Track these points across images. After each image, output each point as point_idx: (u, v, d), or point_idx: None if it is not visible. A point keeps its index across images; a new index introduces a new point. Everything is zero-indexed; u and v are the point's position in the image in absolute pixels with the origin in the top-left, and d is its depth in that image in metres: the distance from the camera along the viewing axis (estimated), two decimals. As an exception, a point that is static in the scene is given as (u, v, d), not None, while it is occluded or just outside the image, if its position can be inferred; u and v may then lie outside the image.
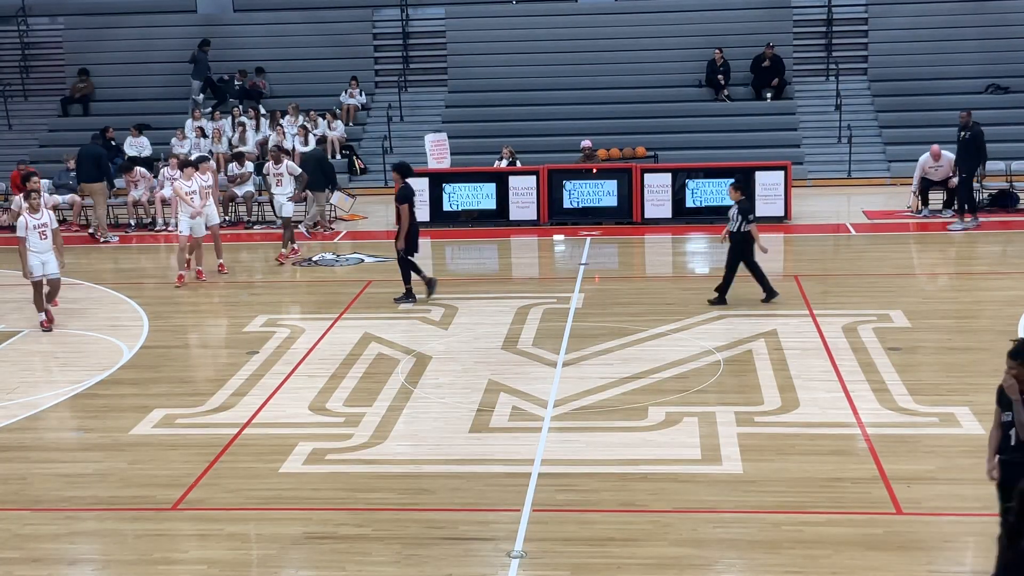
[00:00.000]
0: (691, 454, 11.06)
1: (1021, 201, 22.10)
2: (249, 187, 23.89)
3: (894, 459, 10.76)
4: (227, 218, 23.70)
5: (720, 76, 27.19)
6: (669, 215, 21.94)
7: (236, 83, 29.14)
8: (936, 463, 10.68)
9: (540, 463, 10.90)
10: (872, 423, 11.66)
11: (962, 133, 20.78)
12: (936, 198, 21.95)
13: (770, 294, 16.01)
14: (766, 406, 12.27)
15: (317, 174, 21.79)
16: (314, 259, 20.03)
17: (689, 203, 22.02)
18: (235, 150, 25.56)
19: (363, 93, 28.94)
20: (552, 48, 28.92)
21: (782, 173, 21.80)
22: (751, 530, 9.49)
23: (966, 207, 20.67)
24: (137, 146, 26.41)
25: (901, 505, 9.84)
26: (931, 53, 27.48)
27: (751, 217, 15.88)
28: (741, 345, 14.30)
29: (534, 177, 22.37)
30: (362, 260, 19.72)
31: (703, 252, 20.61)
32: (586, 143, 23.98)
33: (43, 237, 15.86)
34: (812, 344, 14.27)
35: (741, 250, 15.91)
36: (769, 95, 27.14)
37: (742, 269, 15.91)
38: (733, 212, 15.96)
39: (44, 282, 16.02)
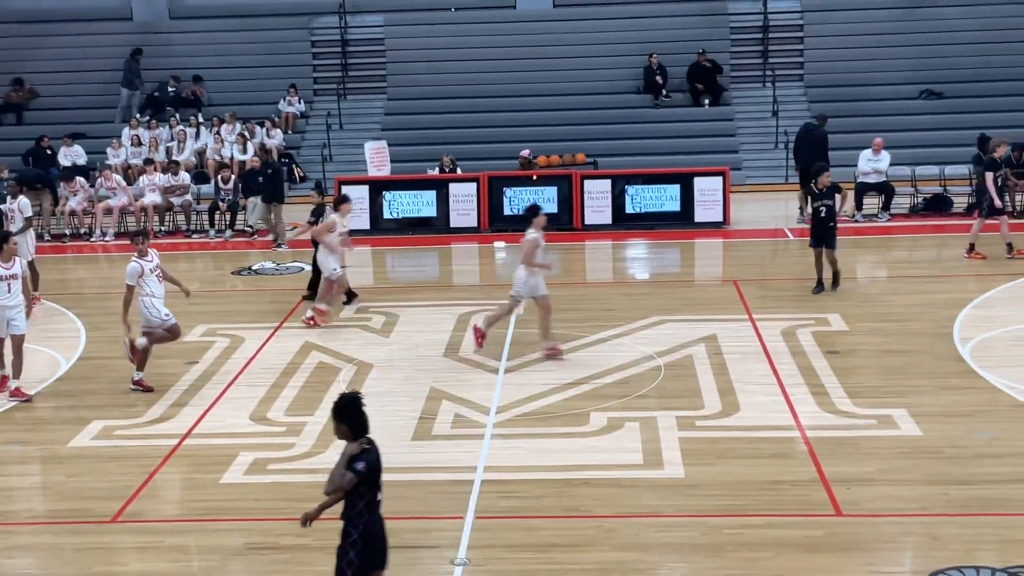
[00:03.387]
0: (633, 459, 11.10)
1: (955, 205, 22.44)
2: (187, 196, 23.66)
3: (833, 461, 10.88)
4: (163, 228, 23.48)
5: (659, 78, 27.37)
6: (609, 221, 22.03)
7: (170, 89, 28.85)
8: (875, 465, 10.81)
9: (483, 470, 10.89)
10: (811, 426, 11.78)
11: (809, 132, 21.79)
12: (871, 203, 22.23)
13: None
14: (707, 410, 12.36)
15: (278, 186, 21.81)
16: (254, 268, 19.88)
17: (629, 209, 22.13)
18: (171, 159, 25.32)
19: (302, 101, 28.79)
20: (491, 55, 28.96)
21: (720, 179, 21.98)
22: (693, 533, 9.54)
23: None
24: (71, 155, 26.06)
25: (841, 507, 9.94)
26: (866, 59, 27.84)
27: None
28: (682, 350, 14.39)
29: (474, 184, 22.38)
30: (303, 269, 19.59)
31: (643, 258, 20.71)
32: (525, 152, 24.02)
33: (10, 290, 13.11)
34: (752, 348, 14.39)
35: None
36: (707, 101, 27.36)
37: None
38: None
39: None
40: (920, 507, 9.89)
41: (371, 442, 7.46)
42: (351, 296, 16.99)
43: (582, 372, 13.65)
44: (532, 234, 14.10)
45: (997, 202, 18.53)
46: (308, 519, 7.67)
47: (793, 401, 12.51)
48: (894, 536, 9.51)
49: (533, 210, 14.51)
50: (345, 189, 22.61)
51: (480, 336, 14.44)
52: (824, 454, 11.05)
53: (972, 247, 18.60)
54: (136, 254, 13.36)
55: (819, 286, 16.61)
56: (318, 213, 17.01)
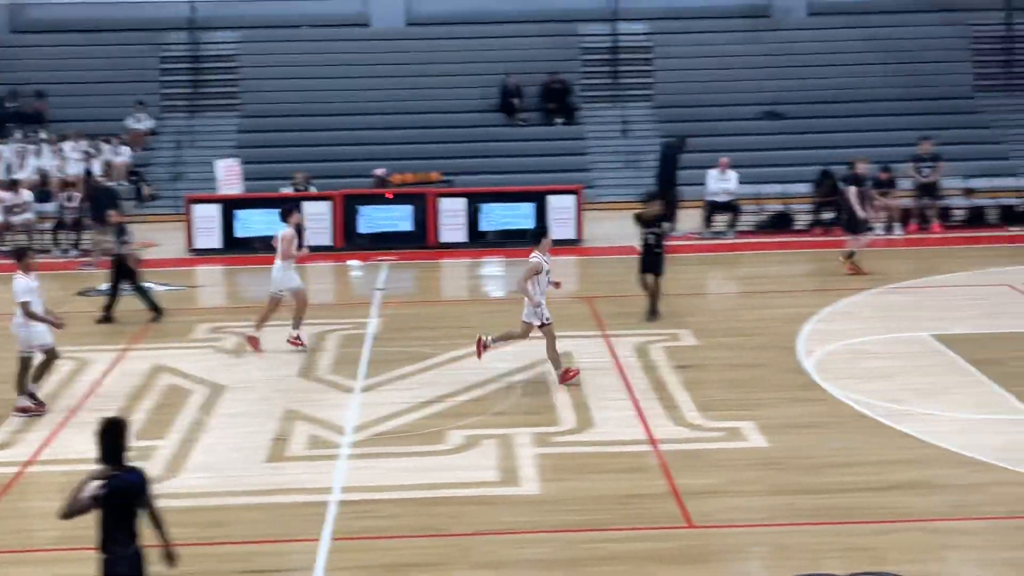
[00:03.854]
0: (490, 476, 11.15)
1: (796, 222, 23.13)
2: (28, 215, 22.89)
3: (685, 474, 11.09)
4: (3, 247, 22.69)
5: (515, 100, 27.60)
6: (465, 239, 22.09)
7: (8, 105, 27.91)
8: (724, 476, 11.06)
9: (339, 491, 10.80)
10: (664, 439, 12.00)
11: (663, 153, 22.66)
12: (721, 219, 22.76)
13: None
14: (562, 426, 12.48)
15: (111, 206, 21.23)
16: (100, 288, 19.35)
17: (483, 227, 22.23)
18: (12, 177, 24.49)
19: (151, 117, 28.18)
20: (345, 73, 28.82)
21: (573, 197, 22.27)
22: (550, 549, 9.61)
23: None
24: (-95, 172, 25.00)
25: (693, 519, 10.14)
26: (712, 81, 28.56)
27: None
28: (537, 366, 14.49)
29: (328, 203, 22.20)
30: (151, 289, 19.13)
31: (498, 275, 20.83)
32: (379, 170, 23.96)
33: None
34: (605, 364, 14.60)
35: None
36: (559, 121, 27.69)
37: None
38: None
39: None
40: (768, 517, 10.15)
41: (123, 472, 7.27)
42: (157, 312, 16.77)
43: (439, 390, 13.65)
44: (535, 258, 13.88)
45: (860, 213, 19.15)
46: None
47: (646, 415, 12.72)
48: (743, 546, 9.74)
49: (540, 232, 14.30)
50: (196, 208, 22.22)
51: (483, 348, 14.12)
52: (676, 467, 11.26)
53: (850, 256, 19.12)
54: (20, 271, 12.86)
55: (649, 313, 16.41)
56: (120, 233, 16.86)
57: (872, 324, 16.01)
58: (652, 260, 16.31)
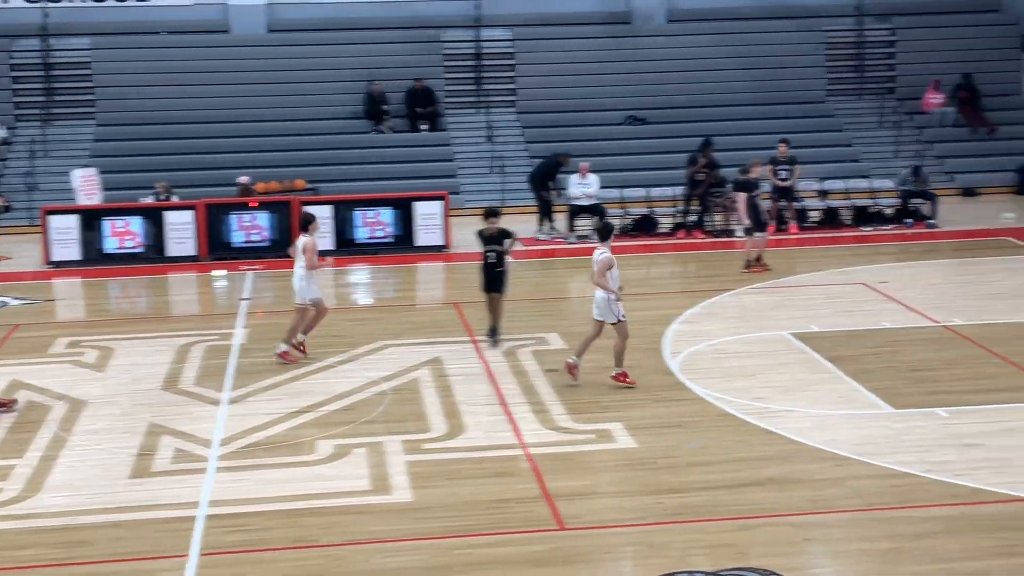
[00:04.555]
0: (361, 485, 11.09)
1: (660, 225, 23.52)
2: None
3: (555, 476, 11.20)
4: None
5: (383, 106, 27.49)
6: (332, 246, 21.92)
7: None
8: (594, 478, 11.20)
9: (207, 505, 10.62)
10: (534, 443, 12.09)
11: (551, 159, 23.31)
12: (585, 224, 23.01)
13: None
14: (433, 433, 12.48)
15: None
16: (-48, 304, 18.70)
17: (350, 234, 22.10)
18: None
19: (2, 127, 27.30)
20: (206, 80, 28.33)
21: (440, 203, 22.29)
22: (423, 557, 9.61)
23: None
24: None
25: (564, 521, 10.24)
26: (574, 87, 28.85)
27: None
28: (407, 374, 14.48)
29: (191, 212, 21.82)
30: (6, 303, 18.56)
31: (366, 283, 20.72)
32: (243, 179, 23.64)
33: None
34: (475, 370, 14.65)
35: None
36: (425, 127, 27.69)
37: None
38: None
39: None
40: (637, 517, 10.31)
41: None
42: None
43: (308, 400, 13.53)
44: (605, 252, 13.84)
45: (745, 221, 19.55)
46: None
47: (516, 420, 12.81)
48: (614, 547, 9.87)
49: (608, 228, 14.37)
50: (52, 219, 21.62)
51: (574, 369, 13.97)
52: (547, 470, 11.37)
53: (758, 259, 19.44)
54: None
55: (490, 334, 15.67)
56: None
57: (734, 324, 16.39)
58: (494, 278, 15.59)
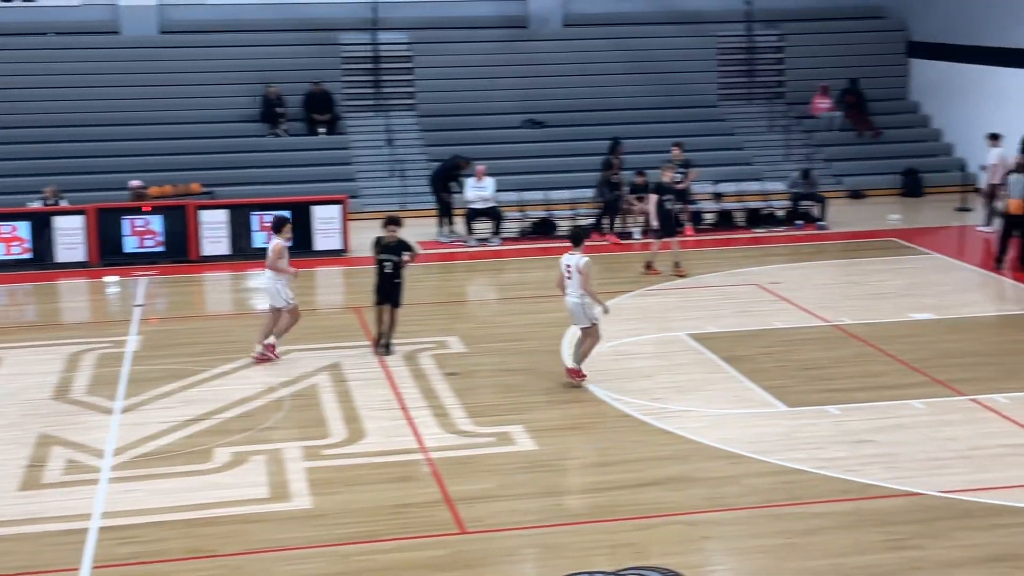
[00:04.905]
0: (259, 493, 10.98)
1: (559, 228, 23.63)
2: None
3: (456, 480, 11.21)
4: None
5: (279, 110, 27.20)
6: (228, 252, 21.64)
7: None
8: (495, 481, 11.24)
9: (100, 517, 10.42)
10: (435, 447, 12.10)
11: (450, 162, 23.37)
12: (483, 227, 23.04)
13: None
14: (333, 438, 12.41)
15: None
16: None
17: (248, 239, 21.81)
18: None
19: None
20: (96, 82, 27.72)
21: (339, 207, 22.14)
22: (322, 564, 9.55)
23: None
24: None
25: (465, 524, 10.26)
26: (473, 90, 28.88)
27: None
28: (306, 379, 14.38)
29: (82, 217, 21.36)
30: None
31: (264, 288, 20.46)
32: (135, 182, 23.22)
33: None
34: (375, 374, 14.59)
35: None
36: (322, 130, 27.48)
37: None
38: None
39: None
40: (538, 519, 10.37)
41: None
42: None
43: (203, 407, 13.35)
44: (585, 258, 13.78)
45: (654, 223, 19.69)
46: None
47: (417, 424, 12.79)
48: (515, 549, 9.92)
49: (582, 233, 14.38)
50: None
51: (576, 375, 13.99)
52: (447, 474, 11.37)
53: (649, 264, 19.60)
54: None
55: (380, 346, 15.30)
56: None
57: (633, 325, 16.55)
58: (391, 289, 15.24)
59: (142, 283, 20.00)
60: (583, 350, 14.10)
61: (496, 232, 22.96)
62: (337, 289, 20.63)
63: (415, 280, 20.08)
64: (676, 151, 23.15)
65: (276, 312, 15.33)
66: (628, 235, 22.96)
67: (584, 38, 29.69)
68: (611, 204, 23.07)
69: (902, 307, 17.46)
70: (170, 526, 10.25)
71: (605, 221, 23.21)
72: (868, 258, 20.95)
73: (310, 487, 11.07)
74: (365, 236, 23.21)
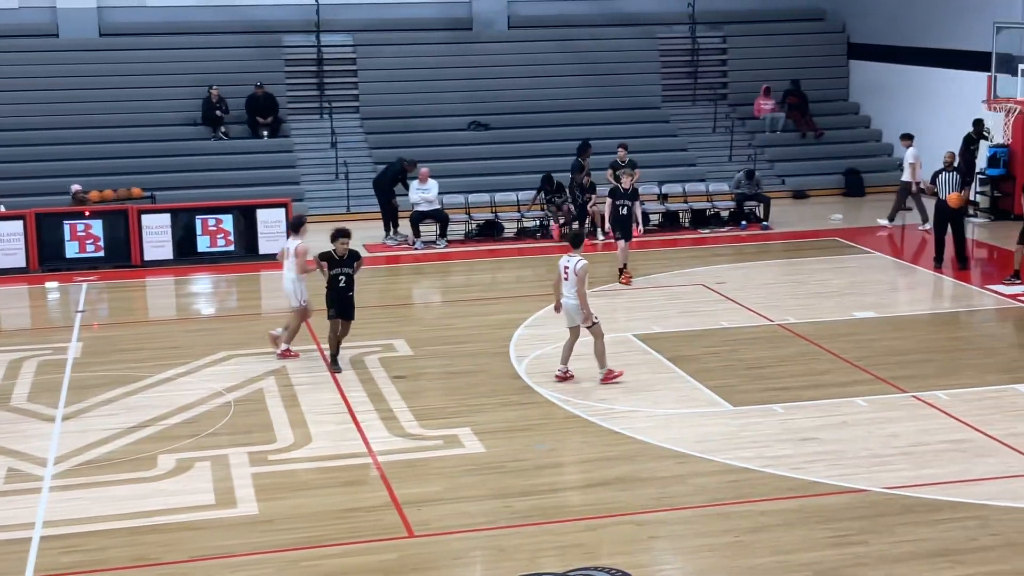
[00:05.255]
0: (205, 500, 10.88)
1: (505, 230, 23.66)
2: None
3: (404, 484, 11.18)
4: None
5: (219, 113, 26.99)
6: (171, 256, 21.43)
7: None
8: (443, 484, 11.22)
9: (42, 526, 10.28)
10: (382, 451, 12.06)
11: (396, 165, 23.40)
12: (429, 229, 23.01)
13: None
14: (279, 444, 12.33)
15: None
16: None
17: (192, 243, 21.63)
18: None
19: None
20: (35, 85, 27.36)
21: (283, 210, 22.00)
22: (269, 570, 9.48)
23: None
24: None
25: (413, 528, 10.23)
26: (417, 92, 28.82)
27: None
28: (251, 384, 14.27)
29: (21, 222, 21.06)
30: None
31: (208, 292, 20.33)
32: (76, 187, 22.94)
33: None
34: (322, 378, 14.52)
35: None
36: (266, 133, 27.30)
37: None
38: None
39: None
40: (487, 521, 10.36)
41: None
42: None
43: (148, 414, 13.21)
44: (583, 261, 13.94)
45: (607, 227, 19.63)
46: None
47: (364, 428, 12.74)
48: (463, 552, 9.90)
49: (580, 236, 14.57)
50: None
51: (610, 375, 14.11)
52: (395, 477, 11.34)
53: (622, 270, 19.54)
54: None
55: (335, 363, 14.85)
56: None
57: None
58: (348, 303, 14.85)
59: (83, 288, 19.75)
60: (596, 351, 14.13)
61: (442, 234, 22.94)
62: (282, 293, 20.42)
63: (361, 284, 20.01)
64: (621, 152, 23.24)
65: (301, 311, 15.53)
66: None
67: (529, 40, 29.75)
68: (582, 208, 23.13)
69: (845, 306, 17.65)
70: (114, 534, 10.13)
71: (556, 223, 23.24)
72: (811, 257, 21.16)
73: (256, 493, 10.99)
74: (310, 240, 23.08)
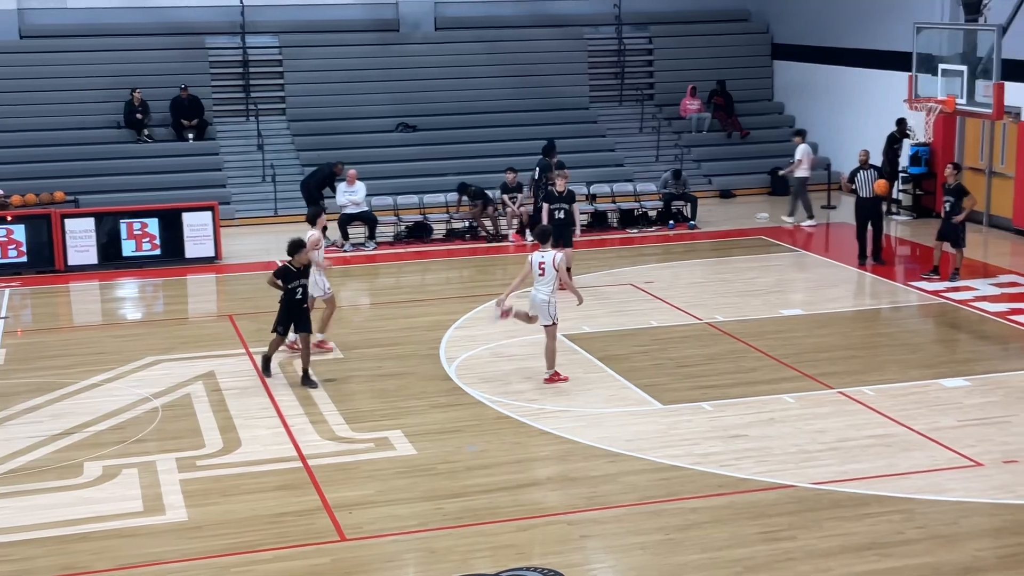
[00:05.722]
0: (133, 507, 10.76)
1: (435, 232, 23.65)
2: None
3: (335, 487, 11.14)
4: None
5: (140, 116, 26.64)
6: (95, 261, 21.12)
7: None
8: (374, 487, 11.19)
9: (-34, 537, 10.09)
10: (313, 455, 12.00)
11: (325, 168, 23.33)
12: (358, 232, 22.93)
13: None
14: (208, 449, 12.22)
15: None
16: None
17: (115, 247, 21.32)
18: None
19: None
20: (-48, 88, 26.85)
21: (210, 213, 21.78)
22: (200, 577, 9.40)
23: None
24: None
25: (345, 532, 10.19)
26: (344, 94, 28.69)
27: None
28: (179, 389, 14.13)
29: (-61, 227, 20.65)
30: None
31: (134, 297, 20.07)
32: (-3, 191, 22.57)
33: None
34: (251, 383, 14.41)
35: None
36: (191, 136, 27.01)
37: None
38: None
39: None
40: (418, 524, 10.36)
41: None
42: None
43: (73, 421, 13.02)
44: (559, 255, 14.01)
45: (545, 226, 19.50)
46: None
47: (294, 432, 12.67)
48: (395, 554, 9.89)
49: (547, 232, 14.51)
50: None
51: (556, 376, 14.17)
52: (326, 481, 11.29)
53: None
54: None
55: (308, 379, 14.25)
56: None
57: (510, 327, 16.57)
58: (302, 315, 14.35)
59: (5, 294, 19.40)
60: (547, 351, 14.15)
61: (370, 237, 22.85)
62: (210, 297, 20.28)
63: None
64: (511, 176, 23.32)
65: (329, 300, 15.76)
66: (503, 237, 23.09)
67: (456, 41, 29.73)
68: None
69: (772, 304, 17.88)
70: (41, 543, 9.98)
71: (490, 225, 23.28)
72: (738, 256, 21.39)
73: (185, 499, 10.88)
74: (238, 243, 22.98)
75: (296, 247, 14.37)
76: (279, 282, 14.30)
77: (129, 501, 10.88)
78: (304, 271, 14.47)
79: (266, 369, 14.62)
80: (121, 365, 15.14)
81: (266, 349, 14.70)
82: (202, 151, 26.91)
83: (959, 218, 18.83)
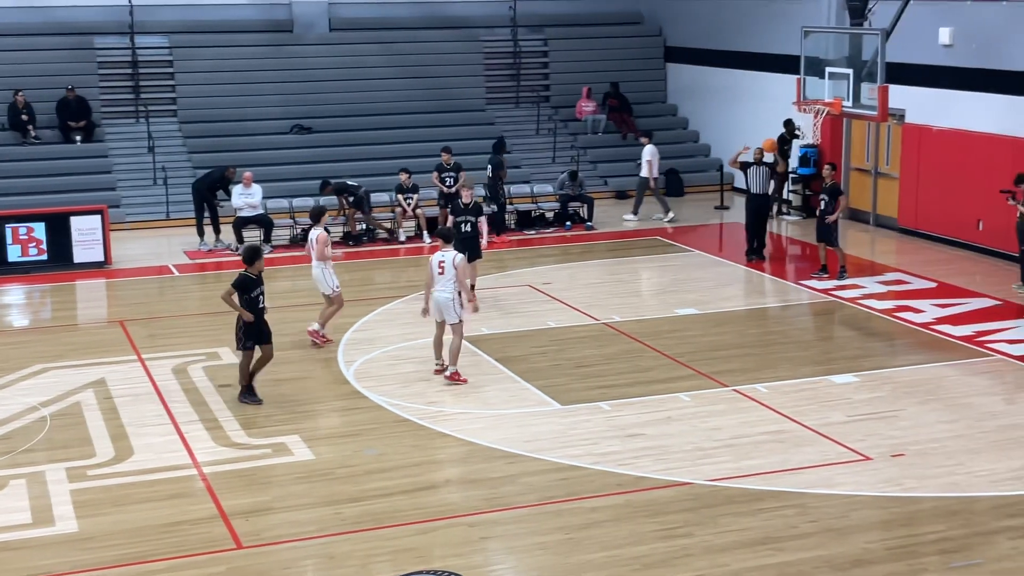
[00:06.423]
0: (21, 518, 10.49)
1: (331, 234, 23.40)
2: None
3: (232, 494, 10.98)
4: None
5: (25, 118, 25.97)
6: (-20, 267, 20.54)
7: None
8: (272, 493, 11.06)
9: None
10: (208, 462, 11.81)
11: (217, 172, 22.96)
12: (253, 234, 22.63)
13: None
14: (99, 458, 11.96)
15: None
16: None
17: (1, 253, 20.75)
18: None
19: None
20: None
21: (99, 217, 21.31)
22: (92, 589, 9.18)
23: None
24: None
25: (241, 539, 10.05)
26: (237, 95, 28.30)
27: None
28: (69, 397, 13.80)
29: None
30: None
31: (20, 303, 19.55)
32: None
33: None
34: (143, 389, 14.14)
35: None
36: (79, 138, 26.42)
37: None
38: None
39: None
40: (317, 529, 10.25)
41: None
42: None
43: (-43, 432, 12.64)
44: (459, 255, 14.20)
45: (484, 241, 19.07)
46: None
47: (188, 439, 12.46)
48: (294, 561, 9.78)
49: (450, 233, 14.92)
50: None
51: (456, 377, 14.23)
52: (222, 488, 11.12)
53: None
54: None
55: (252, 393, 13.71)
56: None
57: (407, 330, 16.56)
58: (263, 325, 13.72)
59: None
60: (452, 349, 14.17)
61: (266, 239, 22.58)
62: (100, 303, 19.84)
63: (184, 291, 19.58)
64: (446, 156, 23.29)
65: (334, 297, 15.97)
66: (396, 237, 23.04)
67: (351, 43, 29.53)
68: (503, 206, 23.17)
69: (668, 303, 18.09)
70: (-77, 560, 9.67)
71: (387, 227, 23.20)
72: (634, 257, 21.60)
73: (76, 509, 10.64)
74: (128, 247, 22.51)
75: (253, 255, 13.78)
76: (236, 295, 13.49)
77: (17, 513, 10.60)
78: (261, 278, 13.83)
79: (252, 394, 13.64)
80: (8, 373, 14.75)
81: (239, 377, 13.74)
82: (90, 153, 26.34)
83: (832, 218, 19.29)
